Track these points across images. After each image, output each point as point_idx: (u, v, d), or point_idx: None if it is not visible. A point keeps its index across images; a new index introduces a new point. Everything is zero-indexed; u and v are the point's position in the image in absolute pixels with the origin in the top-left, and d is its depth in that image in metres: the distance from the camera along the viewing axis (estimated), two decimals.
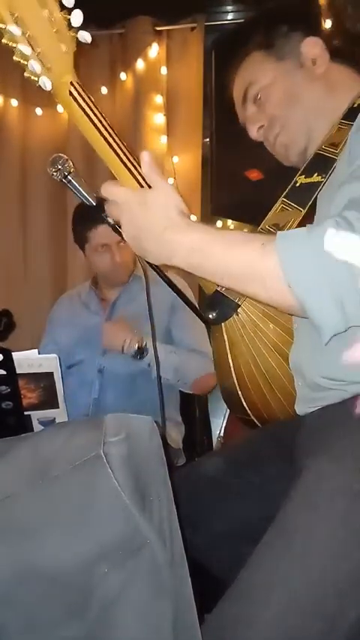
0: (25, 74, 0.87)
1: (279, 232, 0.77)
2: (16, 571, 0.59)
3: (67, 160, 1.26)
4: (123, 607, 0.60)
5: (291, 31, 1.07)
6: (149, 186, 0.88)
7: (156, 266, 1.28)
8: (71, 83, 0.89)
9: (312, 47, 1.05)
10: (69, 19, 0.86)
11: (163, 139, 2.74)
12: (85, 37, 0.88)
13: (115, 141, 0.89)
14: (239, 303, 0.97)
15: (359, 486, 0.75)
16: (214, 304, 0.99)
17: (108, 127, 0.90)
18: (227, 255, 0.79)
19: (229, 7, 2.77)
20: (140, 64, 2.75)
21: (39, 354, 1.89)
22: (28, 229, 2.88)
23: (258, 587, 0.74)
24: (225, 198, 2.04)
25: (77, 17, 0.86)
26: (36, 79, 0.87)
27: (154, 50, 2.74)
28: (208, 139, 2.38)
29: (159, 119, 2.74)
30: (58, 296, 2.31)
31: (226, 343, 0.99)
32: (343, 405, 0.85)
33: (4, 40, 0.84)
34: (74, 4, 0.86)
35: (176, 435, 1.85)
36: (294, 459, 0.90)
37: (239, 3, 2.76)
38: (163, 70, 2.75)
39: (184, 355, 1.79)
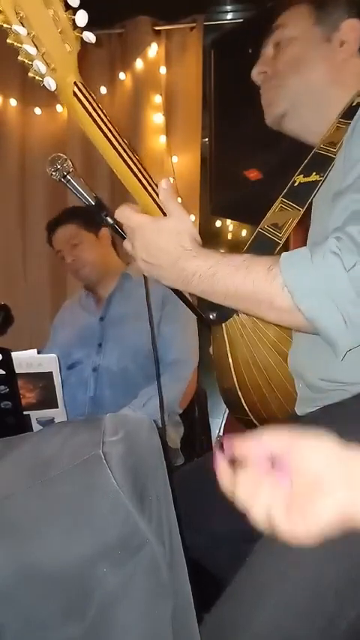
0: (30, 74, 0.87)
1: (283, 255, 0.79)
2: (16, 571, 0.59)
3: (66, 159, 1.26)
4: (122, 607, 0.60)
5: (343, 4, 1.06)
6: (151, 185, 0.92)
7: None
8: (75, 84, 0.88)
9: (350, 30, 1.04)
10: (73, 19, 0.85)
11: (162, 138, 2.74)
12: (90, 37, 0.88)
13: (117, 140, 0.90)
14: None
15: None
16: (215, 304, 1.00)
17: (111, 127, 0.90)
18: (235, 279, 0.82)
19: (228, 7, 2.78)
20: (139, 64, 2.75)
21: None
22: (28, 229, 2.88)
23: (256, 587, 0.74)
24: (224, 197, 2.04)
25: (82, 17, 0.85)
26: (40, 79, 0.87)
27: (154, 50, 2.74)
28: (207, 139, 2.38)
29: (158, 119, 2.74)
30: (58, 297, 2.32)
31: (227, 343, 1.00)
32: (343, 405, 0.86)
33: (9, 40, 0.84)
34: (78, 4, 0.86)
35: (175, 435, 1.85)
36: None
37: (238, 3, 2.76)
38: (162, 70, 2.75)
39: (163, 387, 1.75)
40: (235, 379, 1.02)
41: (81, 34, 0.88)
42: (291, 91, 1.06)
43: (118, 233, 1.30)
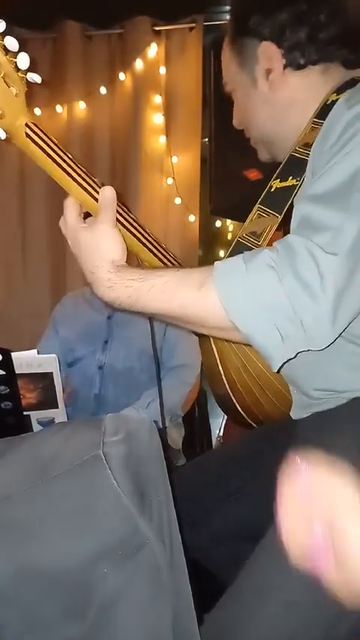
0: None
1: (216, 268, 0.76)
2: (16, 571, 0.59)
3: None
4: (122, 607, 0.60)
5: (255, 28, 0.96)
6: (121, 215, 0.90)
7: None
8: (27, 125, 0.87)
9: (267, 54, 0.96)
10: (15, 62, 0.84)
11: (162, 138, 2.74)
12: (35, 78, 0.87)
13: (78, 174, 0.90)
14: None
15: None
16: None
17: (69, 161, 0.90)
18: (160, 304, 0.79)
19: (228, 7, 2.77)
20: (139, 64, 2.75)
21: (40, 348, 1.90)
22: (28, 230, 2.88)
23: (257, 588, 0.74)
24: (224, 198, 2.04)
25: (24, 60, 0.84)
26: None
27: (153, 50, 2.74)
28: (207, 139, 2.38)
29: (158, 119, 2.74)
30: (58, 297, 2.31)
31: (215, 353, 0.99)
32: (339, 410, 0.85)
33: None
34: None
35: (176, 435, 1.86)
36: None
37: None
38: (162, 70, 2.75)
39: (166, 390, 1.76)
40: (227, 386, 1.01)
41: (25, 75, 0.87)
42: (259, 139, 1.06)
43: None
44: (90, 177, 0.91)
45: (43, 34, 2.76)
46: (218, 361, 0.99)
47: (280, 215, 0.93)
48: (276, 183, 0.95)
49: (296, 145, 0.94)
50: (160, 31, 2.75)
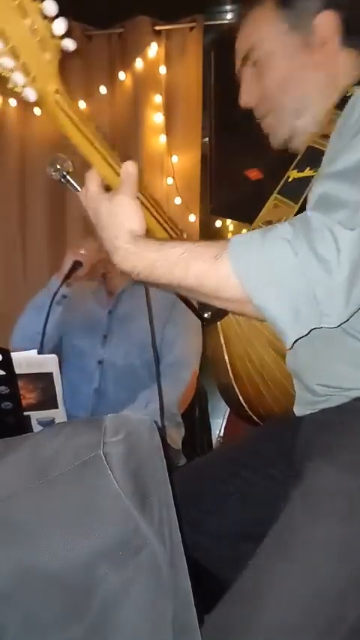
0: (9, 86, 0.86)
1: (232, 240, 0.76)
2: (16, 571, 0.59)
3: (65, 159, 1.27)
4: (123, 607, 0.60)
5: None
6: (145, 197, 0.89)
7: None
8: (57, 91, 0.88)
9: (325, 23, 0.94)
10: (51, 28, 0.84)
11: (162, 138, 2.74)
12: (69, 45, 0.86)
13: (103, 147, 0.90)
14: None
15: (358, 486, 0.75)
16: (208, 304, 0.99)
17: (95, 133, 0.90)
18: (175, 275, 0.79)
19: (228, 7, 2.77)
20: (139, 64, 2.75)
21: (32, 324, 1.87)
22: (28, 229, 2.88)
23: (258, 588, 0.74)
24: (224, 197, 2.04)
25: (60, 25, 0.84)
26: (20, 90, 0.86)
27: (153, 50, 2.74)
28: (207, 139, 2.38)
29: (158, 119, 2.74)
30: None
31: (222, 341, 0.99)
32: (342, 408, 0.85)
33: None
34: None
35: (176, 435, 1.85)
36: (293, 459, 0.90)
37: (238, 3, 2.76)
38: (162, 70, 2.75)
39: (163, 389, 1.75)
40: (231, 375, 1.01)
41: (60, 41, 0.86)
42: (288, 112, 1.00)
43: None
44: (114, 152, 0.91)
45: None
46: (224, 349, 0.99)
47: (296, 205, 0.93)
48: (293, 174, 0.95)
49: (314, 137, 0.94)
50: (160, 30, 2.75)
